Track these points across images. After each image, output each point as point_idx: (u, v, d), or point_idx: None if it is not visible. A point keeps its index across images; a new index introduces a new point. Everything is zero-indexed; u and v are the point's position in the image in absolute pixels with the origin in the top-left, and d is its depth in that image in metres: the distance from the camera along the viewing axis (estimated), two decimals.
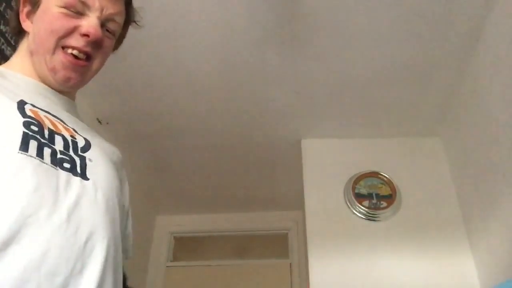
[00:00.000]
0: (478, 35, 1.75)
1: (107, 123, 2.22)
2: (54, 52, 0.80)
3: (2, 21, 1.40)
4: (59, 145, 0.72)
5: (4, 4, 1.41)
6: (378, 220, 2.11)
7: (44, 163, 0.66)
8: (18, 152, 0.64)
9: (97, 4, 0.83)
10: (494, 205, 1.76)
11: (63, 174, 0.69)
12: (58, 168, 0.68)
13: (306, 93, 2.09)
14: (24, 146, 0.65)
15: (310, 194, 2.23)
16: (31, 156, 0.65)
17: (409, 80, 1.99)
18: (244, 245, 3.10)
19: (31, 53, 0.83)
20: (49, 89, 0.83)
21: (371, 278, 1.96)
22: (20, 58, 0.86)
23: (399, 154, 2.30)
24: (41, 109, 0.76)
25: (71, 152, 0.73)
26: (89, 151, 0.78)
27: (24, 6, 0.86)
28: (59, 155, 0.70)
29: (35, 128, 0.69)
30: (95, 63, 0.85)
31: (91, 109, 2.08)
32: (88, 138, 0.82)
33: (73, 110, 0.89)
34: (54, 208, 0.63)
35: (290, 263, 2.93)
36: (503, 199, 1.69)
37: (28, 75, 0.83)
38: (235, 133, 2.36)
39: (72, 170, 0.71)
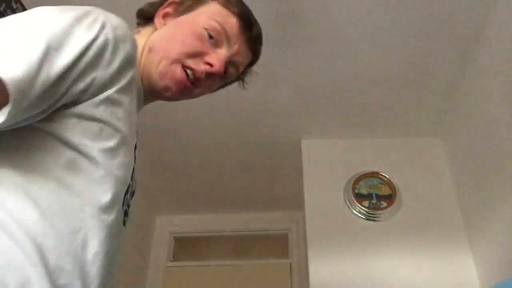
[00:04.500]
0: (478, 35, 1.75)
1: None
2: (172, 62, 0.79)
3: None
4: (123, 201, 0.71)
5: (4, 4, 1.42)
6: (378, 220, 2.11)
7: (111, 225, 0.66)
8: (99, 212, 0.63)
9: (236, 46, 0.84)
10: (494, 205, 1.76)
11: (120, 230, 0.70)
12: (119, 225, 0.70)
13: (306, 93, 2.09)
14: (109, 209, 0.64)
15: (310, 194, 2.23)
16: (104, 222, 0.64)
17: (409, 80, 2.00)
18: (244, 245, 3.09)
19: (150, 50, 0.81)
20: (142, 95, 0.83)
21: (371, 278, 1.96)
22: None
23: (399, 154, 2.30)
24: (135, 141, 0.78)
25: (124, 206, 0.73)
26: (132, 192, 0.79)
27: (168, 6, 0.86)
28: (119, 213, 0.70)
29: (125, 187, 0.70)
30: (196, 92, 0.85)
31: None
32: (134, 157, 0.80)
33: None
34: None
35: (290, 263, 2.93)
36: (503, 199, 1.69)
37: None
38: (235, 133, 2.36)
39: (119, 226, 0.71)
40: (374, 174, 2.23)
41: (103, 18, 0.62)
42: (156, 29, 0.85)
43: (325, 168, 2.29)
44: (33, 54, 0.53)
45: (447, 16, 1.69)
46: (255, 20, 0.90)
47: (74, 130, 0.62)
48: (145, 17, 0.88)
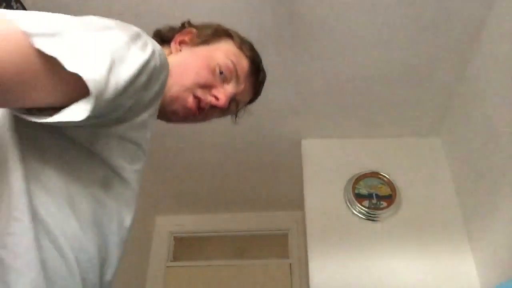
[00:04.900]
0: (478, 35, 1.75)
1: None
2: (185, 90, 0.83)
3: None
4: None
5: (4, 4, 1.42)
6: (378, 220, 2.11)
7: (125, 242, 0.74)
8: (121, 231, 0.70)
9: (242, 86, 0.91)
10: (494, 205, 1.76)
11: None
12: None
13: (306, 93, 2.09)
14: (128, 230, 0.73)
15: (310, 194, 2.23)
16: None
17: (409, 80, 1.99)
18: (244, 245, 3.10)
19: None
20: None
21: (371, 278, 1.96)
22: None
23: (399, 154, 2.30)
24: None
25: None
26: None
27: (186, 35, 0.91)
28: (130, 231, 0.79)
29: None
30: (198, 119, 0.88)
31: None
32: None
33: None
34: None
35: (290, 263, 2.94)
36: (503, 199, 1.69)
37: None
38: (235, 133, 2.36)
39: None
40: (374, 174, 2.23)
41: (152, 44, 0.64)
42: (171, 53, 0.89)
43: (325, 168, 2.29)
44: (102, 63, 0.54)
45: (447, 16, 1.69)
46: (263, 67, 1.00)
47: (115, 150, 0.65)
48: (162, 39, 0.92)
